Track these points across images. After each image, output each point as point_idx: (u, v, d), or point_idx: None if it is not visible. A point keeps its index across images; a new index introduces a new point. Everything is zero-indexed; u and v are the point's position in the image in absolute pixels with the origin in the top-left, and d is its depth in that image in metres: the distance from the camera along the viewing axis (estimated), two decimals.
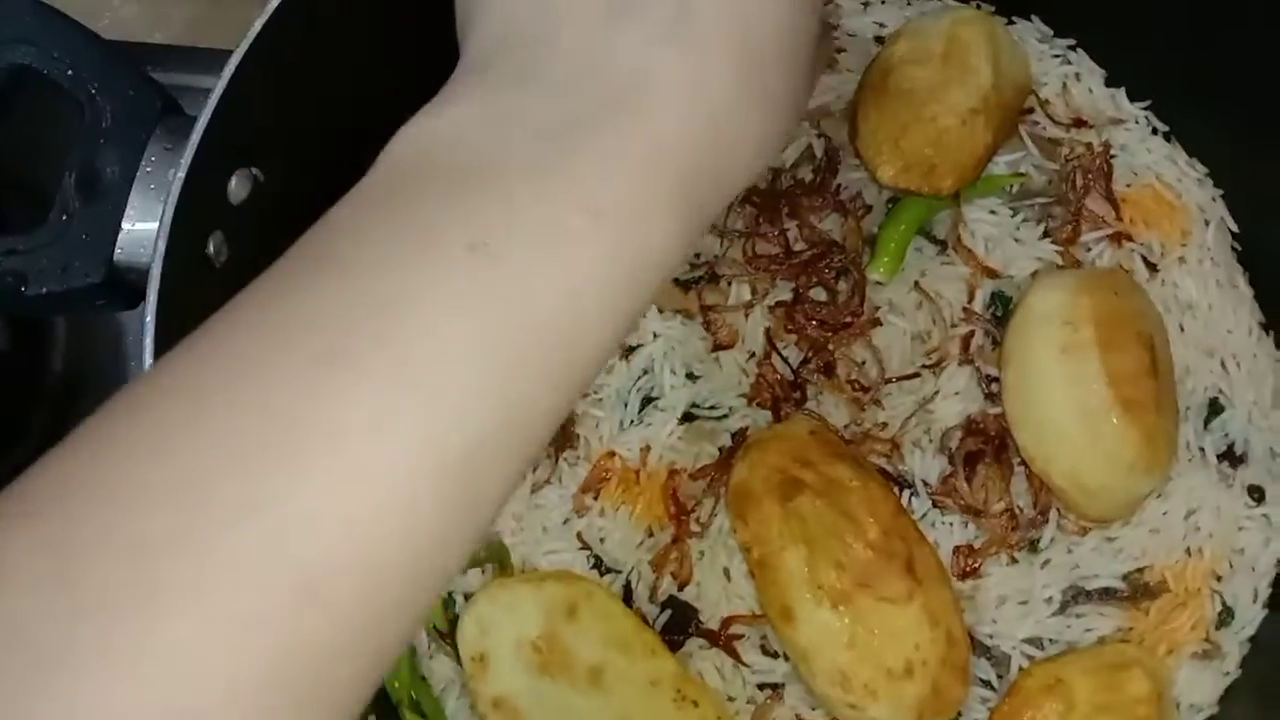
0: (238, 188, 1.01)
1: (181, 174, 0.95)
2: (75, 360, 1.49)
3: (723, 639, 1.05)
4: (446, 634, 1.06)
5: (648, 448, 1.12)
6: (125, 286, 0.99)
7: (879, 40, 1.27)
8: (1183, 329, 1.17)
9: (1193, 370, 1.15)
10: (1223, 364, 1.16)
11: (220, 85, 0.98)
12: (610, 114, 0.49)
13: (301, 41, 1.03)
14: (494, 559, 1.07)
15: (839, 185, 1.19)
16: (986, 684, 1.06)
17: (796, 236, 1.18)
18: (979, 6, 1.26)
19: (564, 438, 1.14)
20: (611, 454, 1.13)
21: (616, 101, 0.49)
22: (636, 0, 0.50)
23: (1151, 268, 1.19)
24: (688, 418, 1.14)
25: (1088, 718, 0.99)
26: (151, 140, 1.00)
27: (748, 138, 0.51)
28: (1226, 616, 1.08)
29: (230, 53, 0.99)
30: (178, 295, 0.94)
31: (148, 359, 0.93)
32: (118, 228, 0.97)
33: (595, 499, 1.11)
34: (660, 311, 1.17)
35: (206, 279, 0.98)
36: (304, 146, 1.09)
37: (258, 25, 1.00)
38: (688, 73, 0.49)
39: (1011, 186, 1.19)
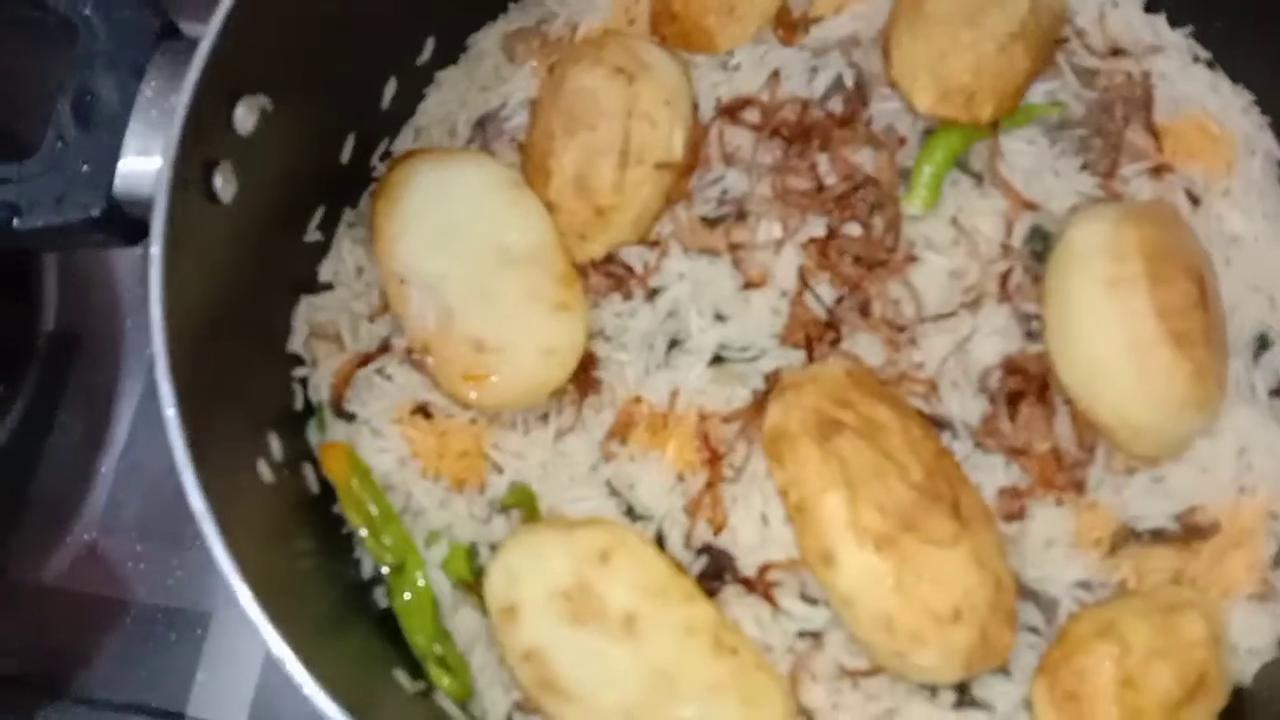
0: (245, 117, 0.95)
1: (185, 100, 0.89)
2: (67, 317, 1.43)
3: (761, 586, 1.01)
4: (473, 585, 1.01)
5: (676, 392, 1.08)
6: (126, 220, 0.94)
7: None
8: (1229, 263, 1.12)
9: (1240, 305, 1.11)
10: (1270, 299, 1.12)
11: (224, 4, 0.93)
12: None
13: None
14: (520, 503, 1.02)
15: (870, 117, 1.14)
16: (1033, 630, 1.02)
17: (829, 170, 1.13)
18: None
19: (587, 384, 1.09)
20: (638, 399, 1.08)
21: None
22: None
23: (1195, 200, 1.14)
24: (717, 360, 1.09)
25: (1143, 662, 0.95)
26: (151, 65, 0.94)
27: None
28: None
29: None
30: (181, 231, 0.89)
31: (155, 299, 0.87)
32: (117, 157, 0.92)
33: (623, 445, 1.06)
34: (685, 250, 1.12)
35: (212, 214, 0.93)
36: (316, 73, 1.03)
37: None
38: None
39: (1050, 117, 1.15)
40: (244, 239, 0.97)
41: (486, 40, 1.25)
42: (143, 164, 0.93)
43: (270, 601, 0.78)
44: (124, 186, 0.92)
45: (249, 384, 0.98)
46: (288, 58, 0.98)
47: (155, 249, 0.88)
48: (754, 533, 1.02)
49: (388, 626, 1.02)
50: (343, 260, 1.14)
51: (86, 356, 1.40)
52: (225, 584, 0.77)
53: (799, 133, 1.13)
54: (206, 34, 0.91)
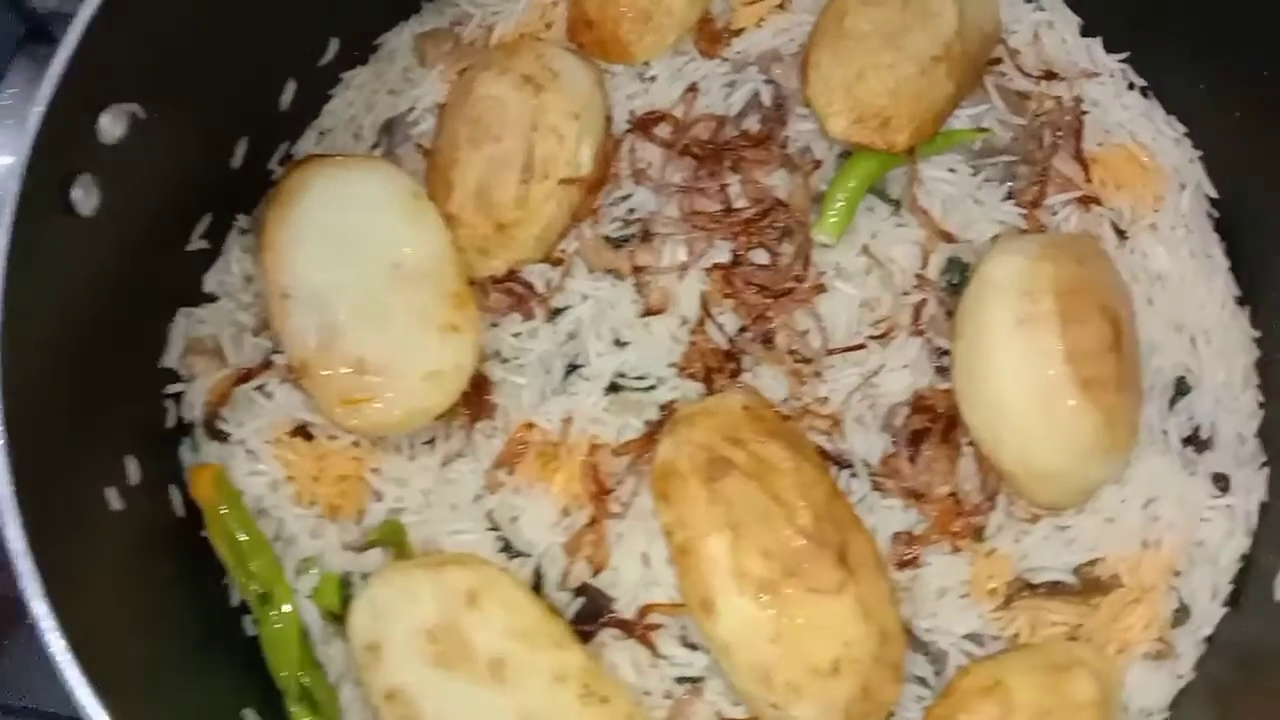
0: (111, 125, 0.90)
1: (39, 110, 0.85)
2: None
3: (639, 629, 0.97)
4: (342, 617, 0.97)
5: (570, 419, 1.04)
6: None
7: None
8: (1151, 301, 1.08)
9: (1160, 346, 1.07)
10: (1192, 340, 1.07)
11: (88, 8, 0.88)
12: None
13: None
14: (389, 540, 0.99)
15: (787, 138, 1.10)
16: (922, 681, 0.98)
17: (739, 192, 1.09)
18: None
19: (480, 407, 1.05)
20: (530, 425, 1.04)
21: None
22: None
23: (1121, 234, 1.10)
24: (614, 388, 1.05)
25: None
26: (11, 69, 0.90)
27: None
28: (1183, 615, 1.00)
29: None
30: (30, 246, 0.84)
31: None
32: None
33: (510, 474, 1.03)
34: (590, 271, 1.08)
35: (69, 228, 0.88)
36: (199, 76, 0.98)
37: None
38: None
39: (974, 143, 1.10)
40: (108, 253, 0.93)
41: (398, 40, 1.20)
42: None
43: (86, 646, 0.74)
44: None
45: (108, 405, 0.93)
46: (164, 62, 0.94)
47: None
48: (635, 572, 0.98)
49: (254, 657, 0.99)
50: (230, 269, 1.09)
51: None
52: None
53: (711, 152, 1.09)
54: (65, 39, 0.86)
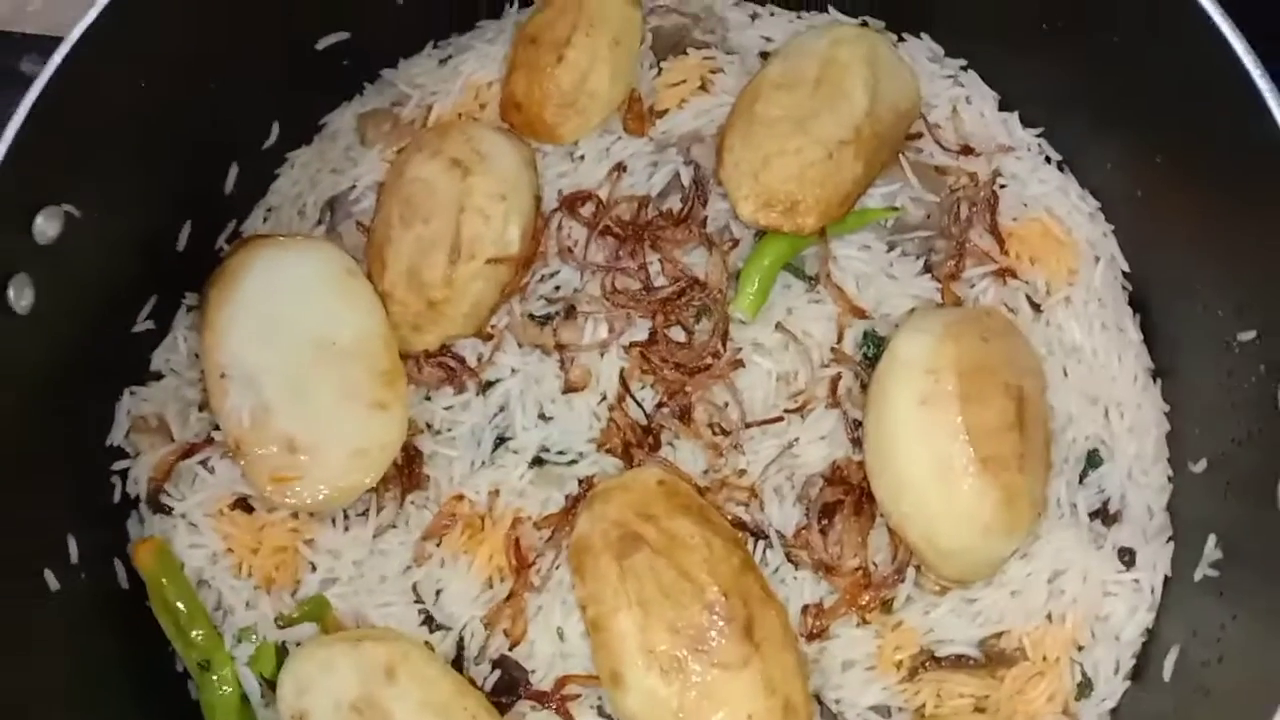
0: (45, 225, 0.96)
1: None
2: None
3: (556, 700, 1.01)
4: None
5: (497, 491, 1.08)
6: None
7: (764, 57, 1.20)
8: (1067, 374, 1.10)
9: (1075, 419, 1.09)
10: (1106, 413, 1.09)
11: (19, 113, 0.93)
12: None
13: (113, 64, 0.98)
14: (312, 617, 1.03)
15: (706, 217, 1.13)
16: None
17: (659, 270, 1.12)
18: (865, 23, 1.19)
19: (412, 479, 1.09)
20: (460, 497, 1.08)
21: None
22: None
23: (1036, 308, 1.12)
24: (538, 461, 1.09)
25: None
26: None
27: None
28: (1086, 688, 1.02)
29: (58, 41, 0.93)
30: None
31: None
32: None
33: (437, 546, 1.07)
34: (519, 345, 1.12)
35: (5, 324, 0.94)
36: (134, 171, 1.03)
37: (63, 50, 0.94)
38: None
39: (886, 221, 1.13)
40: (48, 345, 0.98)
41: (341, 120, 1.24)
42: None
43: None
44: None
45: (50, 488, 0.99)
46: (99, 162, 0.99)
47: None
48: (552, 645, 1.02)
49: None
50: (177, 346, 1.14)
51: None
52: None
53: (632, 231, 1.12)
54: None
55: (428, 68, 1.24)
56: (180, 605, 1.05)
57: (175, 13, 1.00)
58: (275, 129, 1.20)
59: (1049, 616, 1.03)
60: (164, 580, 1.05)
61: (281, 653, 1.05)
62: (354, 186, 1.21)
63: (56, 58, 0.94)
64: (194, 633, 1.04)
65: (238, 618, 1.06)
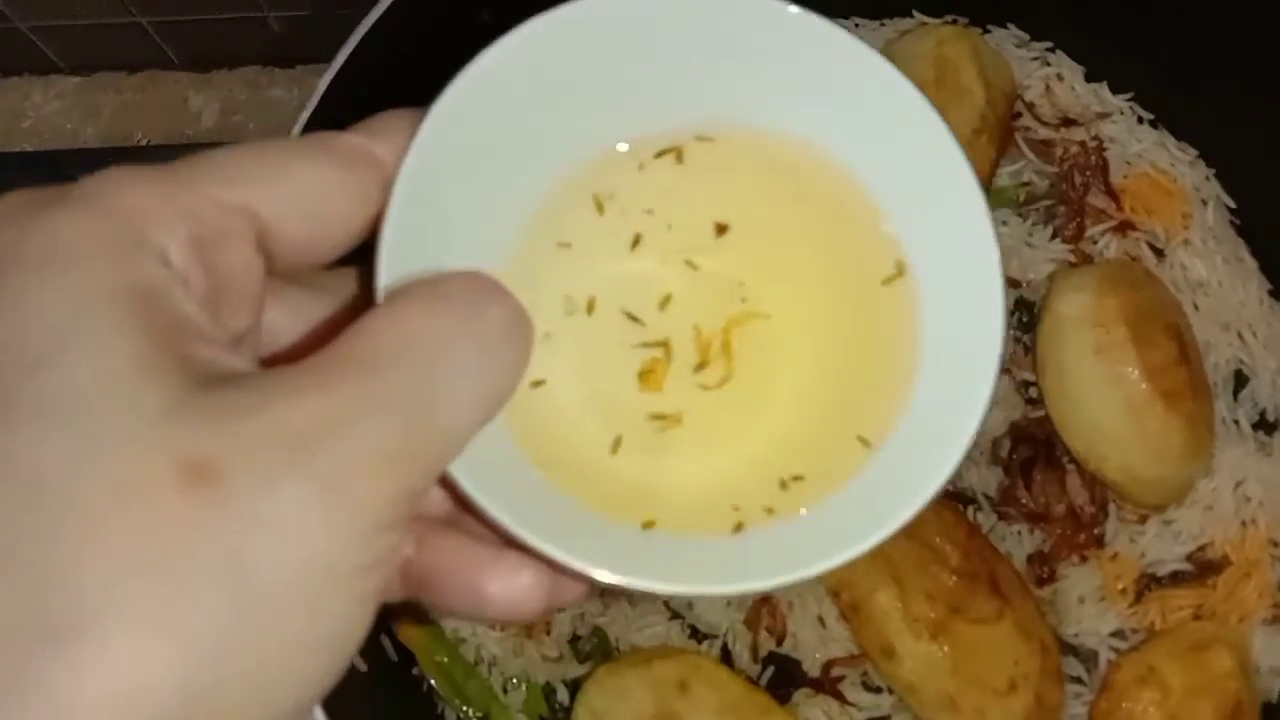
0: None
1: None
2: None
3: (828, 684, 1.08)
4: None
5: None
6: None
7: None
8: (1197, 307, 1.22)
9: (1213, 346, 1.20)
10: (1240, 336, 1.21)
11: None
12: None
13: None
14: (597, 652, 1.08)
15: None
16: (1077, 679, 1.10)
17: None
18: (954, 21, 1.29)
19: None
20: None
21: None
22: None
23: (1158, 253, 1.23)
24: None
25: (1184, 701, 1.04)
26: None
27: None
28: None
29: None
30: None
31: None
32: None
33: None
34: None
35: None
36: None
37: None
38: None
39: (1019, 195, 1.23)
40: None
41: None
42: None
43: None
44: None
45: None
46: None
47: None
48: (814, 635, 1.09)
49: None
50: None
51: None
52: None
53: None
54: None
55: None
56: (450, 665, 1.09)
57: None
58: None
59: (1242, 522, 1.14)
60: (431, 646, 1.08)
61: (549, 692, 1.10)
62: None
63: None
64: (469, 689, 1.08)
65: (504, 666, 1.10)
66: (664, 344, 0.48)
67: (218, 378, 0.36)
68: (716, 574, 0.46)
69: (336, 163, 0.42)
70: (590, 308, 0.48)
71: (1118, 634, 1.11)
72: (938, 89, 1.19)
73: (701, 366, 0.49)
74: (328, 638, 0.36)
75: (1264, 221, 1.23)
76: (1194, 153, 1.25)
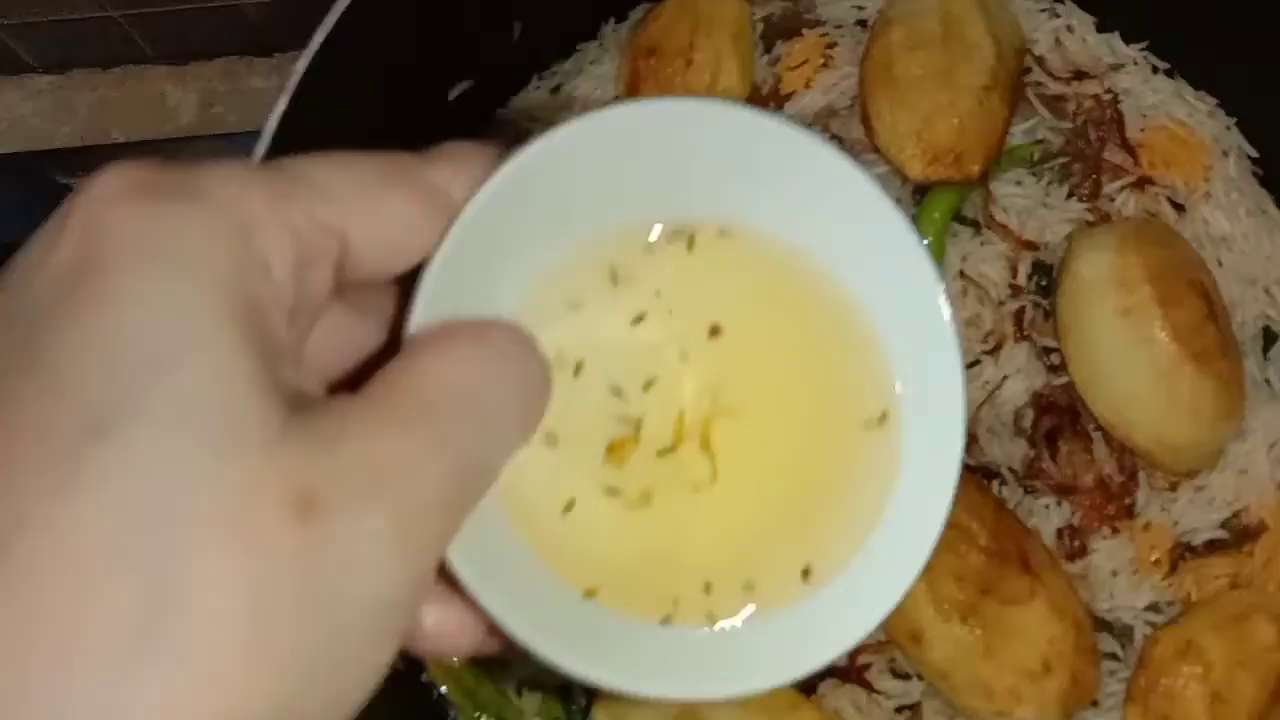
0: None
1: None
2: None
3: (854, 673, 1.04)
4: None
5: None
6: None
7: (862, 25, 1.24)
8: (1221, 263, 1.17)
9: (1239, 303, 1.16)
10: (1267, 291, 1.16)
11: None
12: None
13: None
14: None
15: None
16: (1113, 656, 1.06)
17: None
18: None
19: None
20: None
21: None
22: None
23: (1179, 208, 1.18)
24: None
25: (1226, 675, 1.00)
26: None
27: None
28: None
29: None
30: None
31: None
32: None
33: None
34: None
35: None
36: None
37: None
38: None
39: (1032, 154, 1.18)
40: None
41: None
42: None
43: None
44: None
45: None
46: None
47: None
48: None
49: None
50: None
51: None
52: None
53: None
54: None
55: (540, 99, 1.25)
56: (461, 671, 1.05)
57: (341, 104, 0.99)
58: None
59: (1277, 485, 1.09)
60: None
61: (563, 693, 1.06)
62: None
63: None
64: (481, 695, 1.04)
65: (515, 671, 1.06)
66: (637, 422, 0.49)
67: (303, 402, 0.36)
68: (640, 665, 0.46)
69: (421, 198, 0.42)
70: (577, 370, 0.49)
71: (1153, 607, 1.06)
72: (945, 44, 1.14)
73: (667, 452, 0.49)
74: (376, 669, 0.37)
75: None
76: (1213, 102, 1.20)
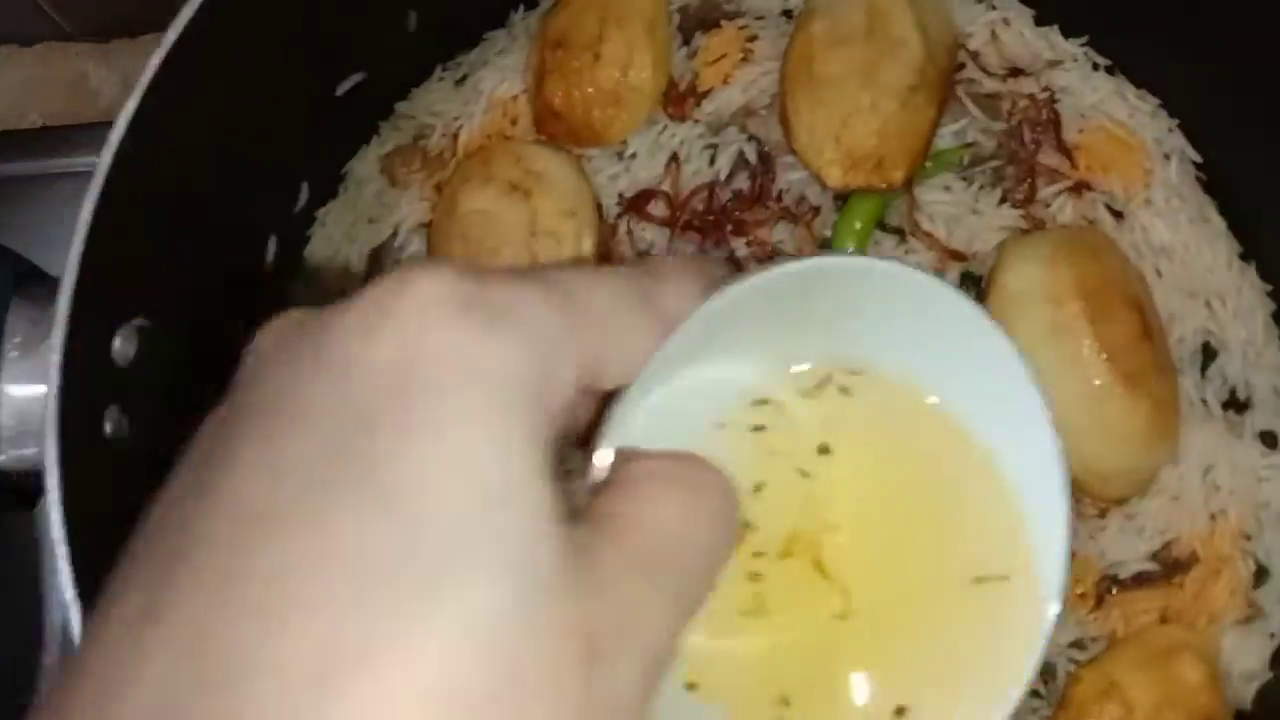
0: (124, 346, 0.88)
1: (57, 352, 0.81)
2: None
3: None
4: None
5: None
6: (11, 489, 0.86)
7: (788, 15, 1.16)
8: (1160, 274, 1.10)
9: (1178, 316, 1.09)
10: (1208, 304, 1.10)
11: (80, 232, 0.84)
12: None
13: (151, 163, 0.89)
14: None
15: (780, 190, 1.10)
16: (1034, 694, 1.01)
17: (747, 254, 1.09)
18: None
19: None
20: None
21: None
22: None
23: (1117, 215, 1.12)
24: None
25: (1151, 717, 0.95)
26: (11, 314, 0.86)
27: None
28: (1262, 575, 1.04)
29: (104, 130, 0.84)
30: (80, 487, 0.81)
31: (62, 566, 0.81)
32: None
33: None
34: None
35: (110, 461, 0.86)
36: (184, 273, 0.95)
37: (105, 160, 0.85)
38: None
39: (962, 157, 1.11)
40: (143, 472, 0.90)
41: (364, 166, 1.17)
42: (21, 422, 0.85)
43: None
44: (10, 456, 0.85)
45: None
46: (158, 270, 0.90)
47: (55, 517, 0.81)
48: None
49: None
50: None
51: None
52: None
53: (710, 221, 1.08)
54: (66, 269, 0.83)
55: (444, 93, 1.17)
56: None
57: (209, 90, 0.91)
58: (304, 189, 1.12)
59: (1211, 515, 1.04)
60: None
61: None
62: (395, 233, 1.14)
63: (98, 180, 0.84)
64: None
65: None
66: (746, 525, 0.51)
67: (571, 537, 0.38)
68: None
69: (660, 330, 0.43)
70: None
71: (1077, 644, 1.01)
72: (868, 40, 1.06)
73: (784, 557, 0.51)
74: None
75: (1233, 176, 1.11)
76: (1155, 102, 1.13)
